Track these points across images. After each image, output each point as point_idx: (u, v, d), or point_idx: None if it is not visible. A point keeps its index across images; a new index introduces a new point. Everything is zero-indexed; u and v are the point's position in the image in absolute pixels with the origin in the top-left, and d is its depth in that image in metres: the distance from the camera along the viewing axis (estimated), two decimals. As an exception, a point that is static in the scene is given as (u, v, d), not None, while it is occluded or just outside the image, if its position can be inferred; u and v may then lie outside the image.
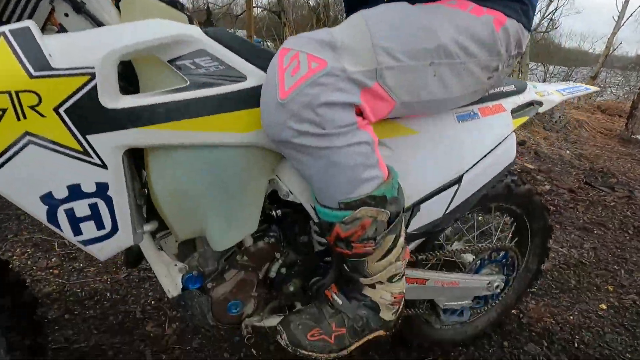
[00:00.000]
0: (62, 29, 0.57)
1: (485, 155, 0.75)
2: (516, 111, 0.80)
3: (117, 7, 0.61)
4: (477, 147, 0.74)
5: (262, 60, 0.59)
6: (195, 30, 0.56)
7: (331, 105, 0.53)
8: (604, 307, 1.40)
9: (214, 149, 0.58)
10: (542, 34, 15.17)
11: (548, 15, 14.35)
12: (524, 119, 0.81)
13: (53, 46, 0.48)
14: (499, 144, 0.76)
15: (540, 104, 0.83)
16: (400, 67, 0.57)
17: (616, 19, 12.80)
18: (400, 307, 0.73)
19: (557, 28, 16.37)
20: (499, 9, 0.62)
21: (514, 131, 0.79)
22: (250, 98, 0.58)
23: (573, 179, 2.83)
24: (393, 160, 0.64)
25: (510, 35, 0.64)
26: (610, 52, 12.88)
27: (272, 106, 0.54)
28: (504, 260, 1.01)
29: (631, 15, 13.16)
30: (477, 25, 0.61)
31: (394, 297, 0.70)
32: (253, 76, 0.58)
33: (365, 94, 0.56)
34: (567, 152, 3.67)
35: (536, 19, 14.76)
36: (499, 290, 1.01)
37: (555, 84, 0.99)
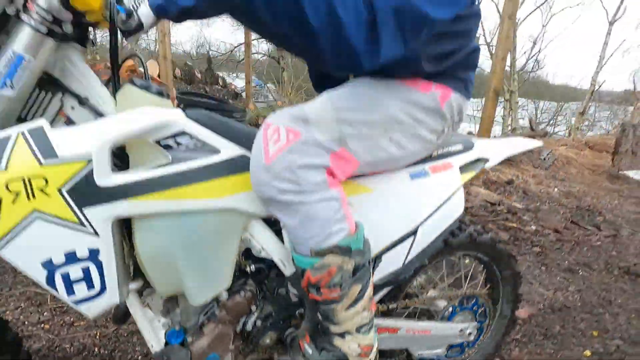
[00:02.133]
0: (69, 120, 0.68)
1: (436, 209, 0.83)
2: (464, 167, 0.89)
3: (114, 97, 0.71)
4: (429, 201, 0.83)
5: (234, 135, 0.70)
6: (177, 114, 0.67)
7: (306, 167, 0.65)
8: (588, 353, 1.41)
9: (190, 214, 0.67)
10: (529, 73, 15.89)
11: (533, 56, 15.11)
12: (472, 173, 0.90)
13: (59, 138, 0.58)
14: (449, 198, 0.85)
15: (486, 160, 0.93)
16: (360, 135, 0.70)
17: (598, 58, 13.43)
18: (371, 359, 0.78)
19: (542, 68, 17.18)
20: (444, 83, 0.74)
21: (462, 186, 0.88)
22: (224, 168, 0.68)
23: (560, 218, 2.89)
24: (355, 216, 0.72)
25: (453, 107, 0.76)
26: (596, 88, 13.43)
27: (260, 169, 0.65)
28: (475, 307, 1.05)
29: (612, 55, 13.89)
30: (424, 98, 0.73)
31: (362, 349, 0.75)
32: (226, 149, 0.68)
33: (334, 157, 0.68)
34: (556, 189, 3.76)
35: (522, 61, 15.57)
36: (472, 338, 1.04)
37: (502, 140, 1.09)
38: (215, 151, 0.68)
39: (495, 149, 0.97)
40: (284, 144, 0.65)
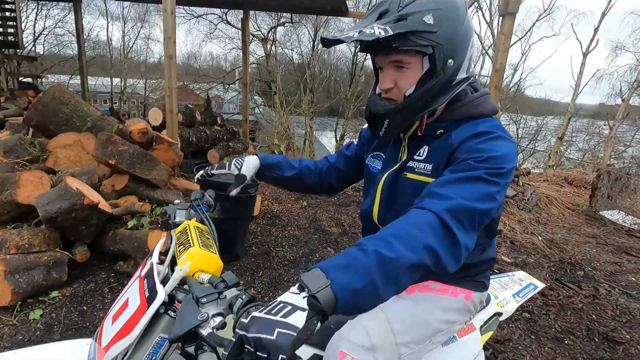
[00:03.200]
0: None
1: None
2: (483, 326, 1.09)
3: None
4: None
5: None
6: None
7: None
8: None
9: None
10: (511, 98, 16.62)
11: (512, 86, 15.83)
12: (489, 334, 1.10)
13: None
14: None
15: (500, 314, 1.14)
16: (413, 352, 0.88)
17: (574, 87, 14.16)
18: None
19: (522, 93, 17.99)
20: (467, 287, 0.95)
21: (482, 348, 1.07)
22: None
23: (545, 274, 3.15)
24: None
25: (475, 302, 0.98)
26: (572, 115, 14.13)
27: None
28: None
29: (586, 84, 14.69)
30: (454, 303, 0.93)
31: None
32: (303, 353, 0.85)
33: None
34: (540, 238, 4.05)
35: (503, 86, 16.34)
36: None
37: (512, 286, 1.31)
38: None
39: (507, 300, 1.18)
40: None
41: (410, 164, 0.90)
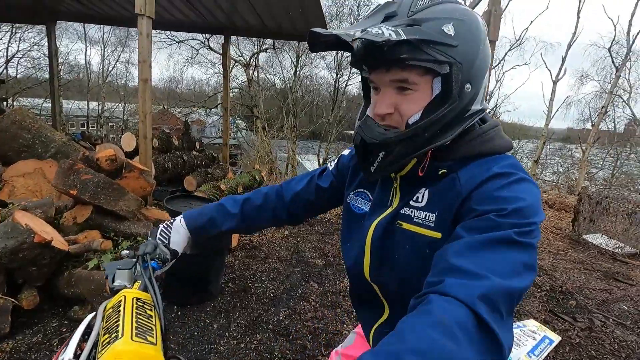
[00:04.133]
0: None
1: None
2: None
3: None
4: None
5: None
6: None
7: None
8: None
9: None
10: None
11: (489, 111, 16.47)
12: None
13: None
14: None
15: None
16: None
17: (546, 112, 14.76)
18: None
19: (499, 117, 18.68)
20: None
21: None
22: None
23: (538, 304, 3.02)
24: None
25: None
26: (546, 139, 14.67)
27: None
28: None
29: (557, 110, 15.38)
30: None
31: None
32: None
33: None
34: (528, 265, 3.96)
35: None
36: None
37: (525, 342, 1.15)
38: None
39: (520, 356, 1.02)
40: None
41: (406, 210, 0.71)
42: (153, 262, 0.76)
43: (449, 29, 0.60)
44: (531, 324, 1.30)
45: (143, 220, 3.21)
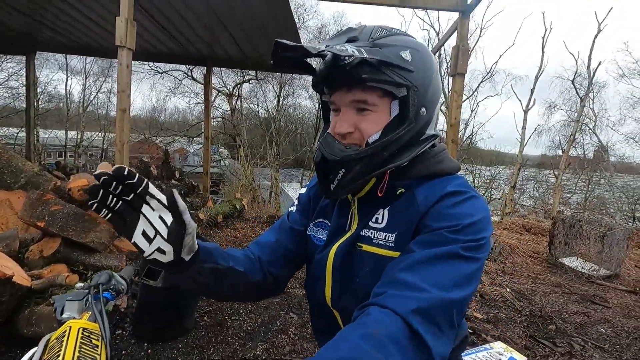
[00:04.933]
0: None
1: None
2: None
3: None
4: None
5: None
6: None
7: None
8: None
9: None
10: (465, 150, 17.77)
11: (466, 139, 17.06)
12: None
13: None
14: None
15: None
16: None
17: (520, 139, 15.41)
18: None
19: (475, 145, 19.35)
20: None
21: None
22: None
23: (519, 330, 3.02)
24: None
25: None
26: (521, 166, 15.23)
27: None
28: None
29: (530, 137, 16.11)
30: None
31: None
32: None
33: None
34: (508, 289, 3.98)
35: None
36: None
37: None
38: None
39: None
40: None
41: (365, 232, 0.72)
42: (106, 292, 0.73)
43: (407, 55, 0.64)
44: (498, 345, 1.30)
45: (115, 252, 3.10)
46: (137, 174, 0.54)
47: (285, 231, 0.85)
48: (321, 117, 0.85)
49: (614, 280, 4.74)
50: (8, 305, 2.05)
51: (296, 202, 0.91)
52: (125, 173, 0.52)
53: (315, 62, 0.72)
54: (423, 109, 0.67)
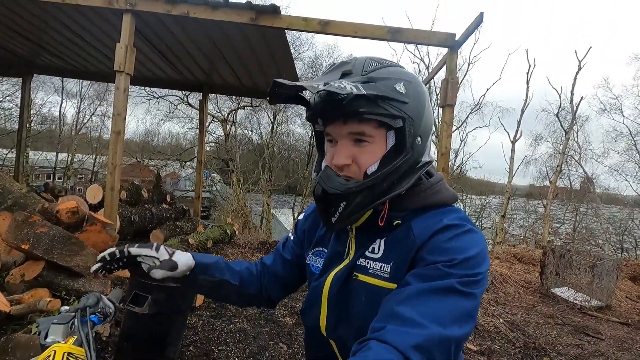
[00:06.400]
0: None
1: None
2: None
3: None
4: None
5: None
6: None
7: None
8: None
9: None
10: (455, 179, 18.03)
11: (456, 168, 17.36)
12: None
13: None
14: None
15: None
16: None
17: (508, 170, 15.70)
18: None
19: (465, 174, 19.67)
20: None
21: None
22: None
23: (513, 362, 2.96)
24: None
25: None
26: (511, 195, 15.44)
27: None
28: None
29: (518, 167, 16.44)
30: None
31: None
32: None
33: None
34: (501, 320, 3.93)
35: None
36: None
37: None
38: None
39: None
40: None
41: (362, 262, 0.72)
42: (93, 316, 0.71)
43: (401, 88, 0.66)
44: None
45: (100, 276, 3.01)
46: (116, 249, 0.86)
47: (278, 258, 0.94)
48: (314, 145, 0.87)
49: (605, 311, 4.72)
50: (-17, 332, 1.95)
51: (293, 231, 0.95)
52: (108, 258, 0.86)
53: (308, 94, 0.74)
54: (419, 139, 0.69)
